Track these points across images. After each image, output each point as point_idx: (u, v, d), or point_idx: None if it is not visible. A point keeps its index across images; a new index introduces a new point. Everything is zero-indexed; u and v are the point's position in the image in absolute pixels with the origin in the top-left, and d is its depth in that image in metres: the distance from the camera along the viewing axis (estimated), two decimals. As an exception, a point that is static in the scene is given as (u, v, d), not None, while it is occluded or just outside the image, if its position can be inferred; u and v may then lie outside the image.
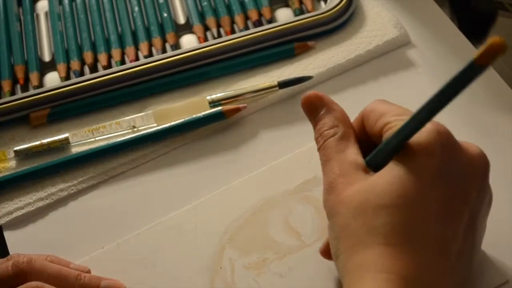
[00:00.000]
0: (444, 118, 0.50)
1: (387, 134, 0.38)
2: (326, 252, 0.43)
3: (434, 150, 0.37)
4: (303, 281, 0.45)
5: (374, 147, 0.40)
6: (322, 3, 0.61)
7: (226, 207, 0.49)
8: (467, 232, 0.38)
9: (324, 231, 0.46)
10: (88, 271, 0.47)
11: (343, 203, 0.38)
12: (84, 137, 0.54)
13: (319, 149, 0.41)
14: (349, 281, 0.36)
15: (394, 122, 0.38)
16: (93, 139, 0.54)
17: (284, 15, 0.61)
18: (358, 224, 0.37)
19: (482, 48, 0.31)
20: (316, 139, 0.42)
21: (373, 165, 0.39)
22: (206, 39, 0.60)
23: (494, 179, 0.49)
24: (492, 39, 0.31)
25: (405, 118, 0.37)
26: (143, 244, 0.48)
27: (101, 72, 0.57)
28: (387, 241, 0.35)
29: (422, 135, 0.37)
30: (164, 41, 0.60)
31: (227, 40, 0.57)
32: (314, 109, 0.43)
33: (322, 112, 0.42)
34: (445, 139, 0.37)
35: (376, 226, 0.36)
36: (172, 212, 0.50)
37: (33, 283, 0.44)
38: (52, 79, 0.59)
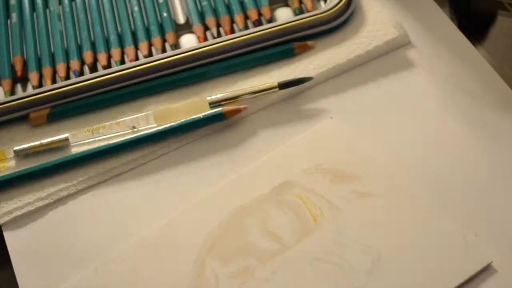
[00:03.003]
0: (444, 118, 0.51)
1: None
2: None
3: None
4: (289, 282, 0.45)
5: None
6: (322, 2, 0.61)
7: (202, 219, 0.49)
8: None
9: (303, 232, 0.47)
10: None
11: None
12: (84, 137, 0.54)
13: None
14: None
15: None
16: (93, 140, 0.54)
17: (284, 15, 0.61)
18: None
19: None
20: None
21: None
22: (206, 39, 0.60)
23: (494, 179, 0.49)
24: None
25: None
26: (121, 266, 0.48)
27: (101, 72, 0.56)
28: None
29: None
30: (164, 41, 0.60)
31: (227, 40, 0.57)
32: None
33: None
34: None
35: None
36: (172, 213, 0.50)
37: None
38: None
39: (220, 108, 0.53)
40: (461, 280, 0.44)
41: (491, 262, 0.45)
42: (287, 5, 0.61)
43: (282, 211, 0.49)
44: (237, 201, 0.49)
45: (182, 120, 0.53)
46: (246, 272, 0.46)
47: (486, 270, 0.45)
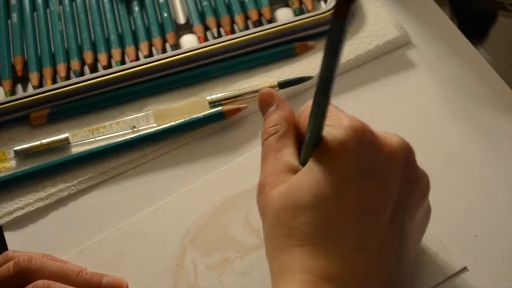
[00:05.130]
0: (445, 118, 0.51)
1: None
2: None
3: (349, 147, 0.36)
4: (265, 278, 0.45)
5: None
6: (322, 3, 0.61)
7: (186, 209, 0.49)
8: (392, 226, 0.37)
9: None
10: (85, 269, 0.47)
11: (267, 206, 0.38)
12: (84, 137, 0.54)
13: (262, 145, 0.42)
14: (273, 284, 0.37)
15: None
16: (93, 139, 0.54)
17: (284, 15, 0.61)
18: (278, 227, 0.37)
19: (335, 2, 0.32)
20: (261, 135, 0.42)
21: (303, 165, 0.39)
22: (206, 39, 0.60)
23: (494, 179, 0.49)
24: None
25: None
26: (105, 250, 0.48)
27: (101, 72, 0.56)
28: (304, 241, 0.35)
29: (338, 132, 0.37)
30: (164, 41, 0.60)
31: (227, 40, 0.57)
32: (266, 105, 0.44)
33: (271, 109, 0.43)
34: (360, 135, 0.37)
35: (294, 228, 0.36)
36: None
37: (40, 282, 0.44)
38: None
39: (220, 108, 0.53)
40: (433, 284, 0.44)
41: (465, 266, 0.45)
42: (287, 5, 0.61)
43: None
44: (222, 194, 0.50)
45: (182, 120, 0.53)
46: (224, 264, 0.46)
47: (460, 275, 0.45)
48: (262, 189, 0.39)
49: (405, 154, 0.38)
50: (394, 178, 0.37)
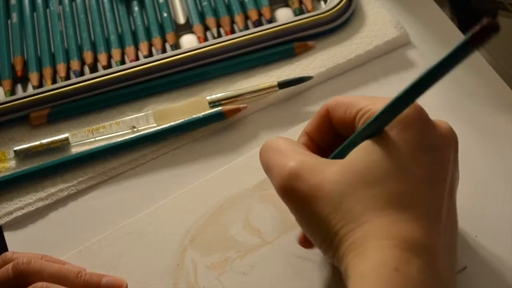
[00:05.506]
0: (445, 118, 0.50)
1: (365, 119, 0.40)
2: (305, 241, 0.43)
3: (412, 123, 0.38)
4: (265, 278, 0.46)
5: (341, 140, 0.41)
6: (322, 3, 0.61)
7: (186, 209, 0.49)
8: (449, 198, 0.39)
9: (285, 228, 0.47)
10: (84, 270, 0.47)
11: (325, 187, 0.38)
12: (84, 137, 0.54)
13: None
14: (351, 258, 0.37)
15: (368, 107, 0.40)
16: (93, 139, 0.54)
17: (284, 15, 0.61)
18: (352, 202, 0.37)
19: (476, 28, 0.32)
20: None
21: (346, 154, 0.39)
22: (206, 39, 0.60)
23: (494, 179, 0.49)
24: (487, 19, 0.31)
25: (378, 102, 0.39)
26: (105, 250, 0.48)
27: (101, 72, 0.56)
28: (385, 212, 0.36)
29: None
30: (164, 41, 0.60)
31: (227, 40, 0.57)
32: None
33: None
34: (419, 113, 0.39)
35: (373, 200, 0.37)
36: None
37: (39, 285, 0.44)
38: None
39: (219, 108, 0.53)
40: None
41: (465, 266, 0.45)
42: (287, 5, 0.61)
43: (265, 206, 0.49)
44: (222, 194, 0.50)
45: (182, 120, 0.53)
46: (224, 264, 0.46)
47: (459, 274, 0.45)
48: (300, 174, 0.39)
49: (454, 137, 0.41)
50: (448, 156, 0.39)
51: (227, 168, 0.51)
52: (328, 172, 0.38)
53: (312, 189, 0.38)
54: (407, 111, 0.38)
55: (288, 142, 0.42)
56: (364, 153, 0.38)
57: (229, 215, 0.49)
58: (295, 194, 0.39)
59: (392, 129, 0.38)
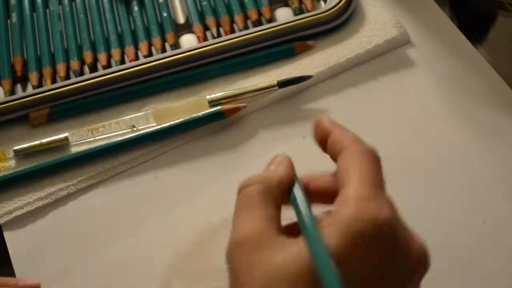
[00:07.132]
0: (445, 118, 0.51)
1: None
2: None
3: (369, 249, 0.31)
4: None
5: None
6: (322, 2, 0.61)
7: (169, 239, 0.48)
8: None
9: None
10: (38, 286, 0.46)
11: (278, 271, 0.32)
12: (84, 136, 0.54)
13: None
14: None
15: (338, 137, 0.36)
16: (93, 139, 0.54)
17: (284, 15, 0.61)
18: None
19: None
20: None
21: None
22: (205, 39, 0.60)
23: (494, 179, 0.49)
24: None
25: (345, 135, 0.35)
26: (88, 285, 0.47)
27: (101, 71, 0.56)
28: None
29: (356, 225, 0.31)
30: (164, 40, 0.60)
31: (226, 39, 0.57)
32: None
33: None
34: (380, 231, 0.31)
35: None
36: (171, 212, 0.50)
37: None
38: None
39: (219, 107, 0.53)
40: None
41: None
42: (287, 5, 0.61)
43: None
44: (205, 222, 0.48)
45: (182, 119, 0.53)
46: None
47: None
48: (243, 245, 0.34)
49: (425, 264, 0.34)
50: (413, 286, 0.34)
51: (208, 195, 0.50)
52: (283, 256, 0.32)
53: (246, 267, 0.33)
54: (361, 227, 0.31)
55: (262, 198, 0.35)
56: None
57: (213, 243, 0.47)
58: (231, 259, 0.35)
59: (344, 257, 0.31)
